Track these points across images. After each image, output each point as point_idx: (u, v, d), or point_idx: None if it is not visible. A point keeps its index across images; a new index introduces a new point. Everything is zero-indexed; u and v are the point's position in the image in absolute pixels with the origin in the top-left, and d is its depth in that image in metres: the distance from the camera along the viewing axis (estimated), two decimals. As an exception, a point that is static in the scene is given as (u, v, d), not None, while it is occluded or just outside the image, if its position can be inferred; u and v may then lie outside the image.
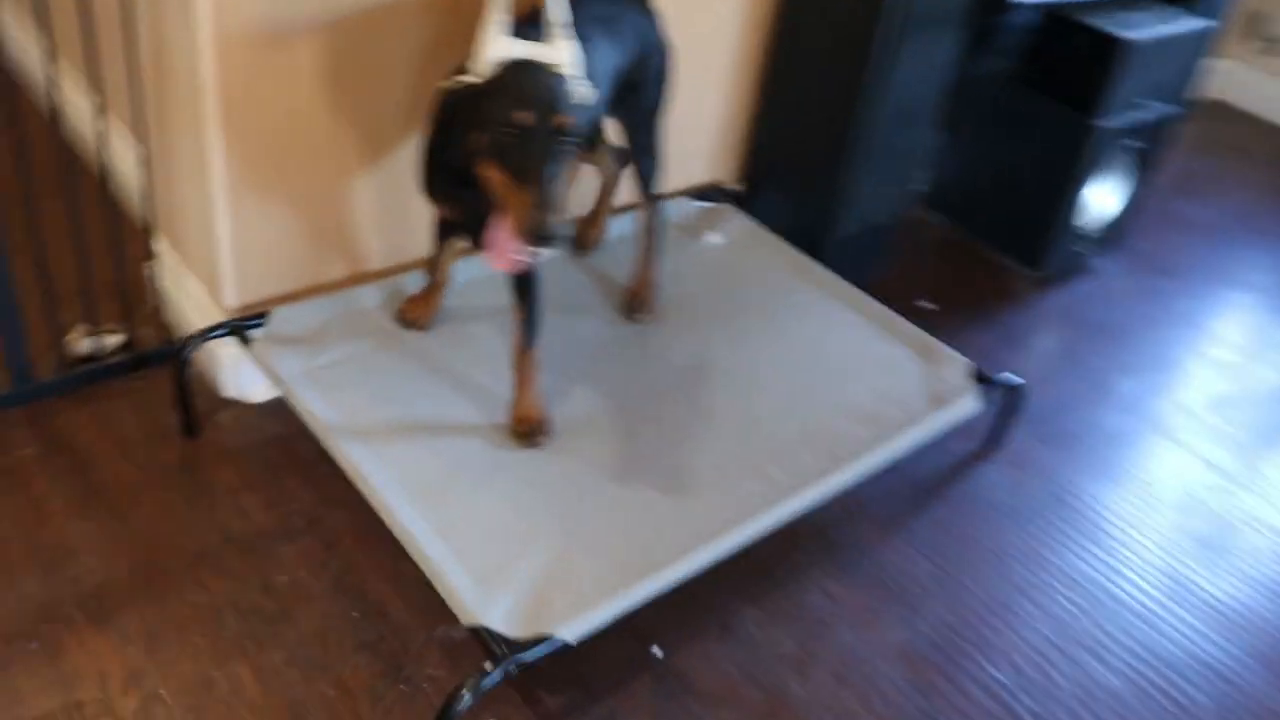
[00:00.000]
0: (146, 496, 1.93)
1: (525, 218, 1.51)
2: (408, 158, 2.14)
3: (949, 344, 2.38)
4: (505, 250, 1.58)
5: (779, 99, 2.72)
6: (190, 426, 2.05)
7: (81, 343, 2.16)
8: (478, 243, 1.77)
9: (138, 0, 1.95)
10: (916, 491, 2.28)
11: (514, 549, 1.69)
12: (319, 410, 1.86)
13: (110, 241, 2.09)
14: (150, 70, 2.01)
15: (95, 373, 2.13)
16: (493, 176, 1.56)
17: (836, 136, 2.60)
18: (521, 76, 1.58)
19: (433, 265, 2.10)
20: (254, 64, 1.83)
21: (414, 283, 2.19)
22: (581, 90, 1.64)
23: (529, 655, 1.52)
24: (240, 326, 2.01)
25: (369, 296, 2.16)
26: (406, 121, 2.10)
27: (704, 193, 2.75)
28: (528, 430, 1.91)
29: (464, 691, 1.46)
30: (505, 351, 1.97)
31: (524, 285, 1.88)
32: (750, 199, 2.84)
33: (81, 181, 1.98)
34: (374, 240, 2.20)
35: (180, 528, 1.88)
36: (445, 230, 2.02)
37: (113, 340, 2.19)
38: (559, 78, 1.60)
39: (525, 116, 1.52)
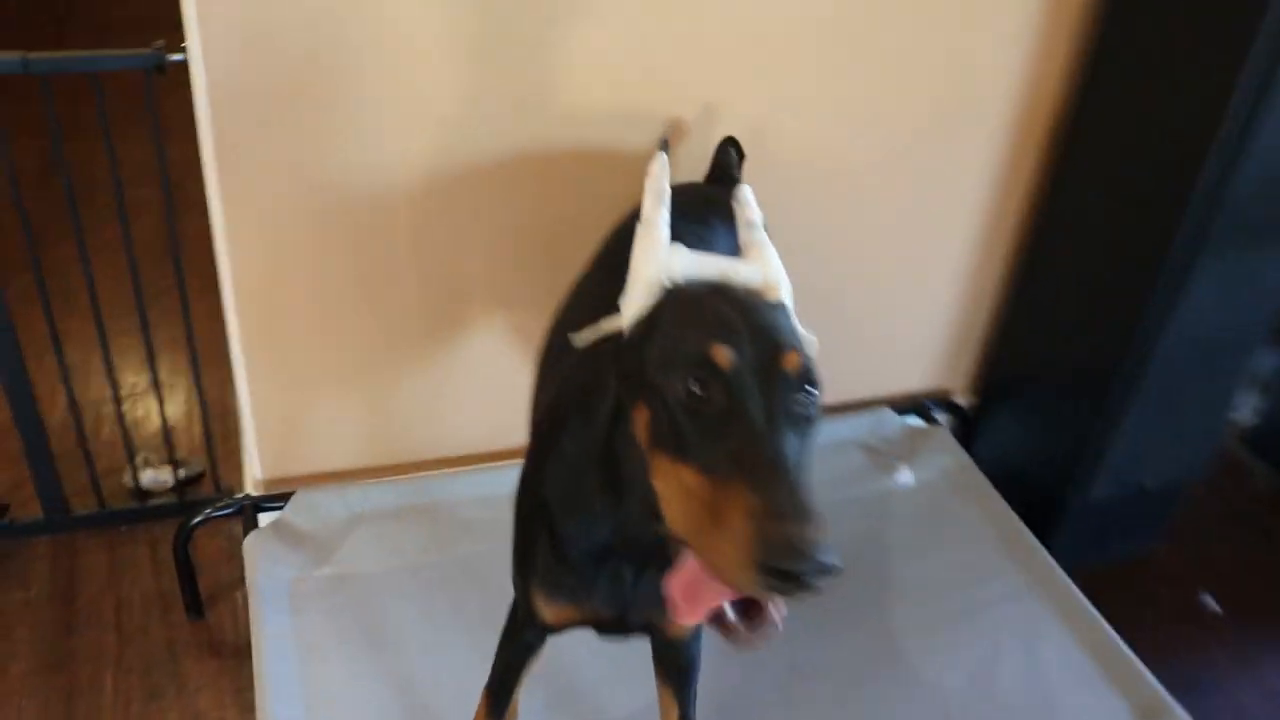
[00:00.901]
0: (109, 684, 1.68)
1: (756, 534, 0.75)
2: (446, 352, 1.77)
3: (1230, 673, 1.64)
4: (703, 600, 0.82)
5: (1034, 299, 2.07)
6: (194, 606, 1.78)
7: (143, 473, 1.97)
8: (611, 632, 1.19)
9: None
10: None
11: None
12: (270, 653, 1.50)
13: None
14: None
15: (133, 513, 1.94)
16: (677, 480, 0.83)
17: (1103, 364, 1.91)
18: (711, 299, 0.92)
19: (497, 705, 1.35)
20: (266, 248, 1.55)
21: (463, 487, 1.79)
22: (803, 330, 0.95)
23: None
24: (255, 506, 1.72)
25: (408, 492, 1.79)
26: (448, 312, 1.74)
27: (916, 405, 2.15)
28: None
29: None
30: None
31: (683, 657, 1.24)
32: (978, 421, 2.20)
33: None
34: (418, 430, 1.83)
35: (119, 737, 1.61)
36: (524, 647, 1.31)
37: (177, 475, 1.99)
38: (772, 304, 0.94)
39: (725, 354, 0.83)
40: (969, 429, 2.19)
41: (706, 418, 0.82)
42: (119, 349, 1.89)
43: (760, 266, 1.00)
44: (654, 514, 0.87)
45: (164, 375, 1.85)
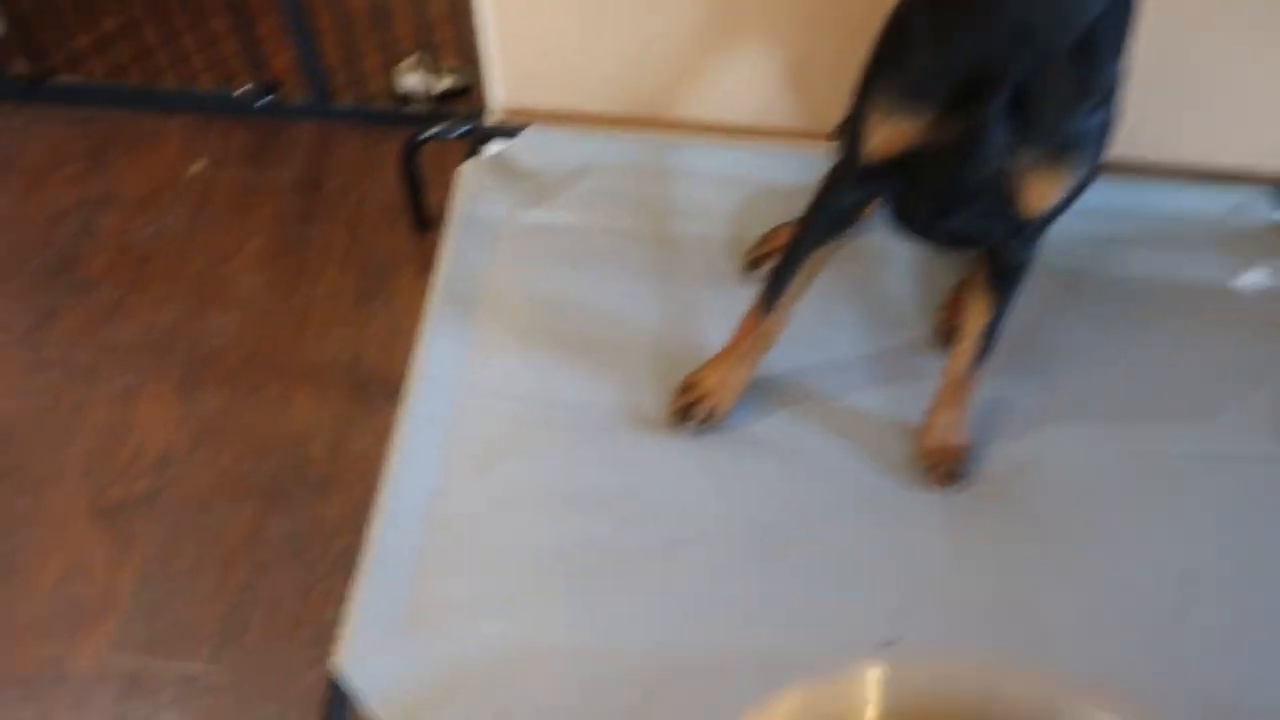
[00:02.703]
0: (329, 277, 1.70)
1: None
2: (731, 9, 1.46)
3: None
4: None
5: None
6: (421, 221, 1.74)
7: (408, 77, 1.90)
8: (915, 225, 1.12)
9: None
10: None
11: (489, 599, 1.18)
12: (450, 289, 1.41)
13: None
14: None
15: (390, 115, 1.89)
16: None
17: None
18: None
19: (778, 284, 1.21)
20: None
21: (711, 160, 1.57)
22: None
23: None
24: (484, 132, 1.60)
25: (648, 151, 1.59)
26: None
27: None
28: (944, 464, 1.26)
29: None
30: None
31: (1016, 257, 1.13)
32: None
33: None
34: (679, 86, 1.59)
35: (325, 331, 1.64)
36: (825, 225, 1.18)
37: (443, 84, 1.90)
38: None
39: None
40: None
41: None
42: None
43: None
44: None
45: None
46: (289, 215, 1.78)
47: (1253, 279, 1.56)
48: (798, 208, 1.51)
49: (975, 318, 1.19)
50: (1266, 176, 1.63)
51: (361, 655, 1.09)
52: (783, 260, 1.21)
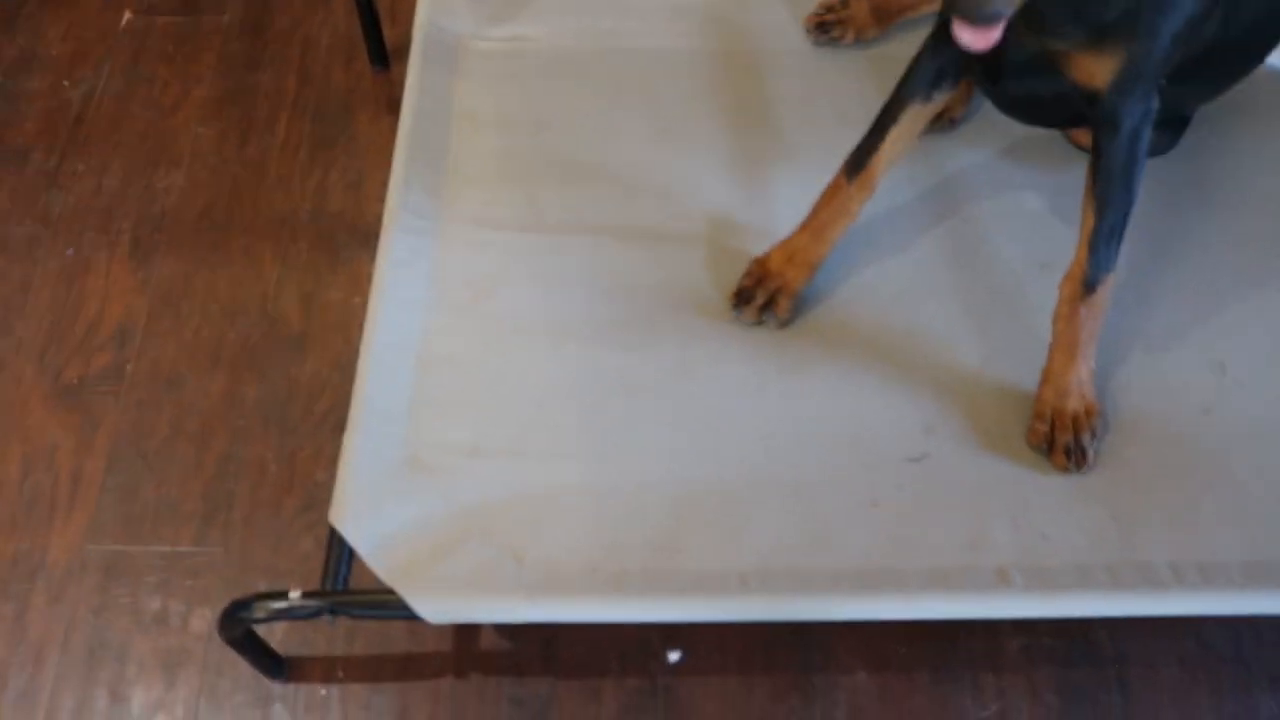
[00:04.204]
0: (283, 125, 1.55)
1: None
2: None
3: None
4: None
5: None
6: (378, 55, 1.58)
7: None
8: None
9: None
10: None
11: (494, 449, 1.07)
12: (418, 113, 1.28)
13: None
14: None
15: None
16: None
17: None
18: None
19: (869, 142, 1.14)
20: None
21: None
22: None
23: (357, 609, 0.98)
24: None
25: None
26: None
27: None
28: (1064, 436, 1.07)
29: (247, 613, 0.98)
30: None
31: (1115, 152, 1.05)
32: None
33: None
34: None
35: (284, 181, 1.50)
36: (918, 88, 1.12)
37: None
38: None
39: None
40: None
41: None
42: None
43: None
44: None
45: None
46: (233, 62, 1.62)
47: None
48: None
49: (1085, 222, 1.08)
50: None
51: (360, 509, 0.99)
52: (876, 120, 1.12)
